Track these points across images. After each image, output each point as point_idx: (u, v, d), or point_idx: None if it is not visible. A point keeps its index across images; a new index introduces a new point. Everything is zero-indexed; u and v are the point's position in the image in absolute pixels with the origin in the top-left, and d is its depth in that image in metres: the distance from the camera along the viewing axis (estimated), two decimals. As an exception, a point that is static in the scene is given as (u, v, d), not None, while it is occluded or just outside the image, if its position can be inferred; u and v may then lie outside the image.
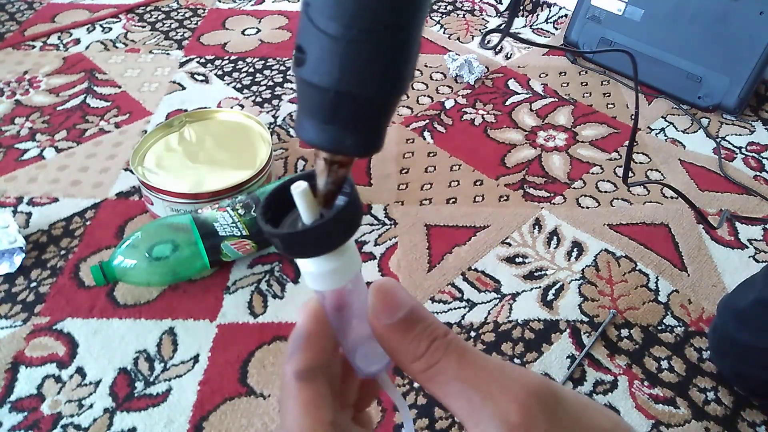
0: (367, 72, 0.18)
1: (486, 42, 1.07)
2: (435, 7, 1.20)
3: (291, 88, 0.95)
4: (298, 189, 0.21)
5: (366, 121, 0.20)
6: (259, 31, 1.12)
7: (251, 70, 1.00)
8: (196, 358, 0.57)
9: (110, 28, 1.11)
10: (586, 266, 0.67)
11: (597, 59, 1.02)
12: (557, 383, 0.21)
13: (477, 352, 0.22)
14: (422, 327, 0.22)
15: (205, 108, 0.84)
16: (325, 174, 0.21)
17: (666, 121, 0.91)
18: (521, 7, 1.11)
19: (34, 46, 1.05)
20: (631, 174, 0.80)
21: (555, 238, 0.71)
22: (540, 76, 1.00)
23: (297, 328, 0.24)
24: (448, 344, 0.22)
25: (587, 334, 0.60)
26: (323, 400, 0.23)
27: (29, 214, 0.72)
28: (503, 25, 0.93)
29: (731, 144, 0.87)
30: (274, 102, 0.92)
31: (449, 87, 0.96)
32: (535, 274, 0.66)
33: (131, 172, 0.77)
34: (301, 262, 0.23)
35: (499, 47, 1.03)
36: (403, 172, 0.80)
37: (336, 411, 0.24)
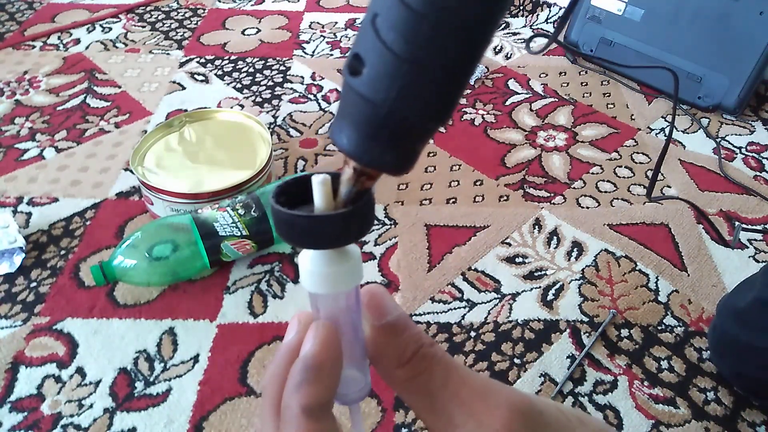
0: (424, 98, 0.18)
1: (530, 43, 1.06)
2: None
3: (291, 88, 0.95)
4: (319, 179, 0.21)
5: (408, 143, 0.19)
6: (259, 31, 1.12)
7: (251, 70, 1.00)
8: (196, 358, 0.57)
9: (110, 28, 1.11)
10: (586, 266, 0.67)
11: (597, 57, 1.02)
12: (541, 400, 0.21)
13: (462, 367, 0.22)
14: (409, 333, 0.22)
15: (205, 108, 0.84)
16: (351, 183, 0.20)
17: (666, 121, 0.91)
18: (570, 12, 1.08)
19: (34, 46, 1.05)
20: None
21: (555, 238, 0.71)
22: (540, 76, 1.00)
23: (308, 356, 0.21)
24: (434, 355, 0.22)
25: (587, 334, 0.60)
26: None
27: (29, 214, 0.72)
28: (552, 30, 0.92)
29: (731, 144, 0.87)
30: (274, 102, 0.92)
31: (449, 87, 0.96)
32: (535, 274, 0.66)
33: (131, 172, 0.77)
34: (304, 262, 0.22)
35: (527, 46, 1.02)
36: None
37: None
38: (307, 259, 0.22)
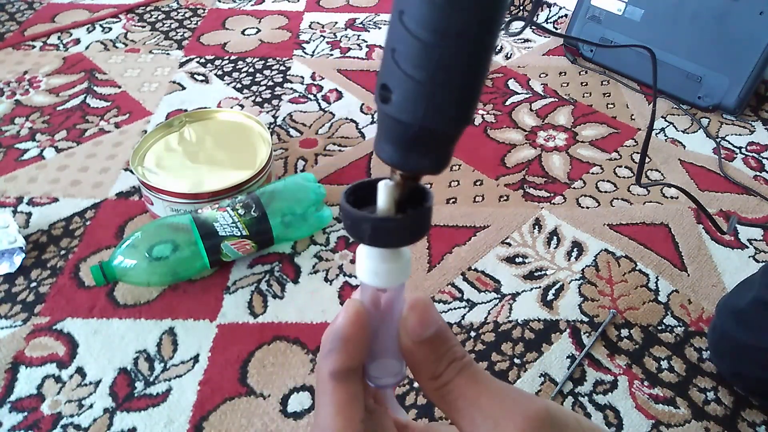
0: (448, 109, 0.21)
1: (508, 27, 1.07)
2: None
3: (291, 88, 0.95)
4: (387, 184, 0.24)
5: (441, 148, 0.23)
6: (259, 31, 1.12)
7: (251, 70, 1.00)
8: (196, 358, 0.57)
9: (110, 28, 1.11)
10: (586, 266, 0.67)
11: (597, 59, 1.02)
12: (561, 411, 0.23)
13: (487, 376, 0.24)
14: (445, 348, 0.24)
15: (205, 108, 0.84)
16: (400, 187, 0.24)
17: (666, 121, 0.91)
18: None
19: (34, 46, 1.05)
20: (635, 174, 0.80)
21: (555, 238, 0.71)
22: (540, 76, 1.00)
23: (336, 328, 0.24)
24: (461, 366, 0.23)
25: (587, 334, 0.60)
26: (355, 399, 0.24)
27: (29, 214, 0.72)
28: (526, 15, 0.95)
29: (731, 144, 0.87)
30: (274, 102, 0.92)
31: (449, 87, 0.96)
32: (535, 274, 0.66)
33: (131, 172, 0.77)
34: (362, 255, 0.25)
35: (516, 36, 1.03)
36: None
37: (372, 408, 0.26)
38: (365, 254, 0.25)
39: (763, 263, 0.65)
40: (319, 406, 0.24)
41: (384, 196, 0.24)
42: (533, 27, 0.86)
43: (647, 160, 0.83)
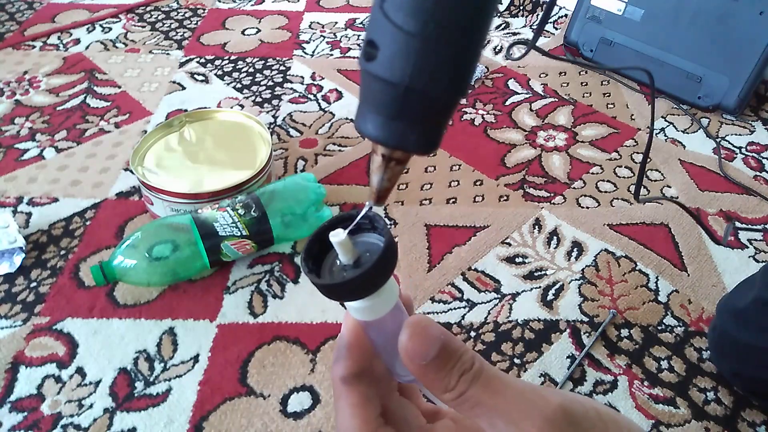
0: (439, 70, 0.19)
1: (509, 54, 1.05)
2: None
3: (291, 88, 0.95)
4: (338, 238, 0.22)
5: (430, 120, 0.20)
6: (259, 31, 1.12)
7: (251, 70, 1.00)
8: (196, 358, 0.57)
9: (110, 28, 1.11)
10: (586, 266, 0.67)
11: (597, 59, 1.02)
12: (580, 404, 0.23)
13: (501, 378, 0.23)
14: (452, 364, 0.24)
15: (205, 108, 0.84)
16: (381, 170, 0.21)
17: (666, 121, 0.91)
18: (546, 20, 1.09)
19: (34, 46, 1.05)
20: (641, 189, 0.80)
21: (555, 238, 0.71)
22: (540, 76, 1.00)
23: (340, 337, 0.26)
24: (473, 376, 0.23)
25: (587, 334, 0.60)
26: (368, 400, 0.25)
27: (29, 214, 0.72)
28: (530, 38, 0.92)
29: (731, 144, 0.87)
30: (274, 102, 0.92)
31: (449, 87, 0.96)
32: (535, 274, 0.66)
33: (131, 172, 0.77)
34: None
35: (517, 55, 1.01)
36: (403, 171, 0.80)
37: (397, 402, 0.28)
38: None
39: (764, 263, 0.65)
40: (337, 411, 0.26)
41: (340, 250, 0.23)
42: (536, 49, 0.85)
43: (647, 159, 0.83)
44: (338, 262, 0.24)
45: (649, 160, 0.83)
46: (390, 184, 0.22)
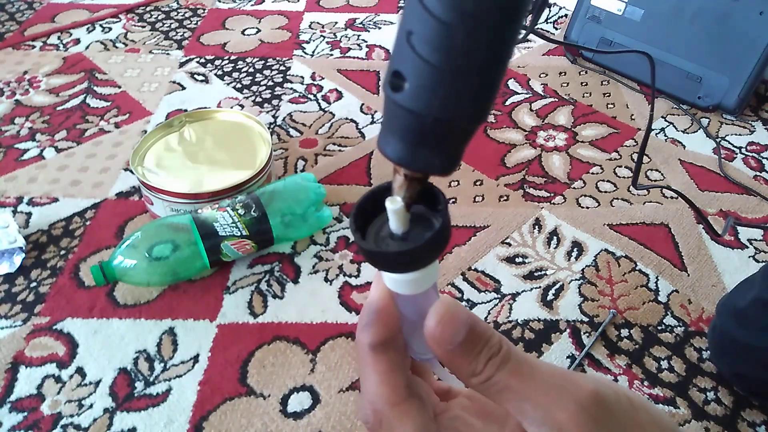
0: (464, 101, 0.19)
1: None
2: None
3: (291, 88, 0.95)
4: (394, 206, 0.22)
5: (453, 145, 0.21)
6: (259, 31, 1.12)
7: (251, 70, 1.00)
8: (196, 358, 0.57)
9: (110, 28, 1.11)
10: (586, 266, 0.67)
11: (597, 59, 1.02)
12: (611, 389, 0.22)
13: (530, 362, 0.23)
14: (479, 348, 0.23)
15: (205, 108, 0.84)
16: (404, 189, 0.22)
17: (666, 121, 0.91)
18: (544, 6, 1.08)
19: (34, 46, 1.05)
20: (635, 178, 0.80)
21: (555, 238, 0.71)
22: (540, 76, 1.00)
23: (370, 302, 0.25)
24: (501, 360, 0.23)
25: (587, 334, 0.60)
26: (397, 368, 0.25)
27: (29, 214, 0.72)
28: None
29: (731, 144, 0.87)
30: (274, 102, 0.92)
31: (449, 87, 0.96)
32: (535, 274, 0.66)
33: (131, 172, 0.77)
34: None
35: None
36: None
37: (410, 379, 0.27)
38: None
39: (764, 263, 0.65)
40: (364, 379, 0.25)
41: (394, 217, 0.23)
42: (536, 33, 0.84)
43: (648, 160, 0.83)
44: (387, 228, 0.24)
45: (648, 160, 0.83)
46: (411, 201, 0.23)
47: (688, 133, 0.89)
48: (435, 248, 0.23)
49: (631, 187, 0.74)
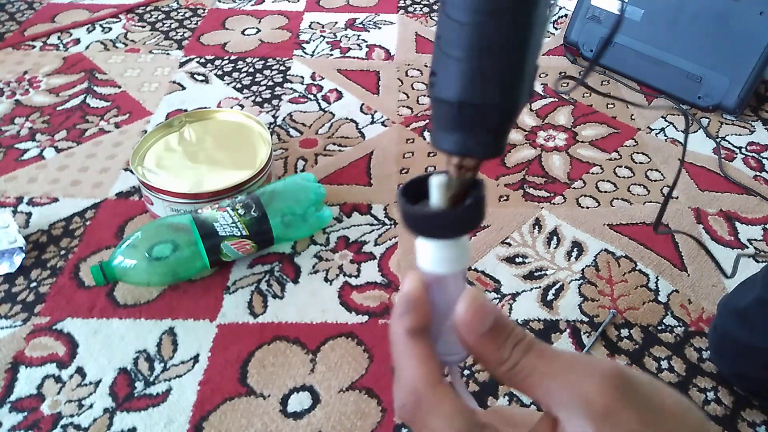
0: (487, 84, 0.22)
1: (560, 84, 1.01)
2: (435, 7, 1.21)
3: (291, 88, 0.95)
4: (438, 180, 0.25)
5: (487, 127, 0.23)
6: (259, 31, 1.12)
7: (251, 70, 1.00)
8: (196, 358, 0.57)
9: (110, 28, 1.11)
10: (586, 266, 0.67)
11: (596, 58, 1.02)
12: (631, 369, 0.23)
13: (552, 349, 0.25)
14: (506, 335, 0.25)
15: (205, 108, 0.84)
16: (455, 177, 0.24)
17: (666, 121, 0.91)
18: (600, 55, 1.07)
19: (34, 46, 1.05)
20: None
21: (555, 238, 0.71)
22: (540, 76, 1.00)
23: (406, 292, 0.26)
24: (526, 346, 0.24)
25: (587, 334, 0.60)
26: (433, 353, 0.26)
27: (29, 214, 0.72)
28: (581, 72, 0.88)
29: (731, 144, 0.87)
30: (274, 102, 0.92)
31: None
32: (535, 274, 0.66)
33: (131, 172, 0.77)
34: (422, 245, 0.26)
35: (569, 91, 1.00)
36: (403, 172, 0.80)
37: None
38: (424, 244, 0.26)
39: (764, 263, 0.65)
40: (401, 365, 0.26)
41: (434, 190, 0.25)
42: (584, 85, 0.81)
43: (648, 160, 0.83)
44: (428, 206, 0.26)
45: (648, 160, 0.83)
46: (461, 189, 0.25)
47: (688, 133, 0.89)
48: (478, 214, 0.25)
49: (653, 231, 0.73)
